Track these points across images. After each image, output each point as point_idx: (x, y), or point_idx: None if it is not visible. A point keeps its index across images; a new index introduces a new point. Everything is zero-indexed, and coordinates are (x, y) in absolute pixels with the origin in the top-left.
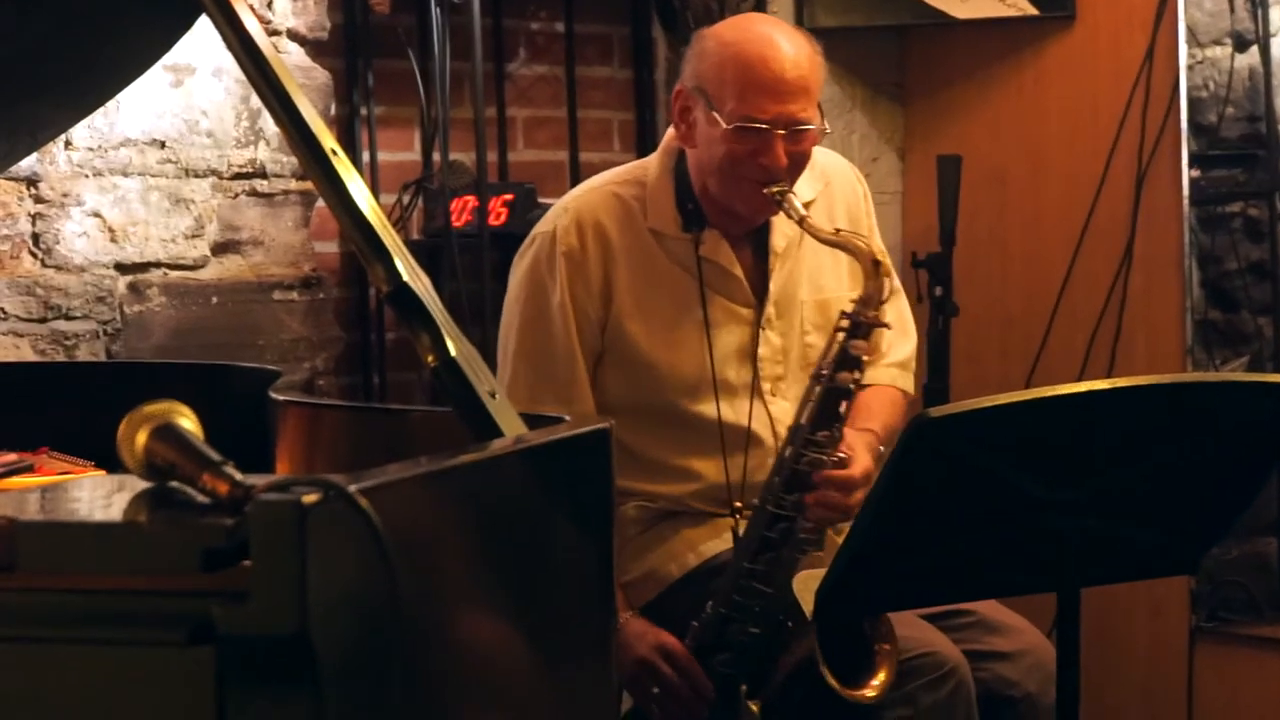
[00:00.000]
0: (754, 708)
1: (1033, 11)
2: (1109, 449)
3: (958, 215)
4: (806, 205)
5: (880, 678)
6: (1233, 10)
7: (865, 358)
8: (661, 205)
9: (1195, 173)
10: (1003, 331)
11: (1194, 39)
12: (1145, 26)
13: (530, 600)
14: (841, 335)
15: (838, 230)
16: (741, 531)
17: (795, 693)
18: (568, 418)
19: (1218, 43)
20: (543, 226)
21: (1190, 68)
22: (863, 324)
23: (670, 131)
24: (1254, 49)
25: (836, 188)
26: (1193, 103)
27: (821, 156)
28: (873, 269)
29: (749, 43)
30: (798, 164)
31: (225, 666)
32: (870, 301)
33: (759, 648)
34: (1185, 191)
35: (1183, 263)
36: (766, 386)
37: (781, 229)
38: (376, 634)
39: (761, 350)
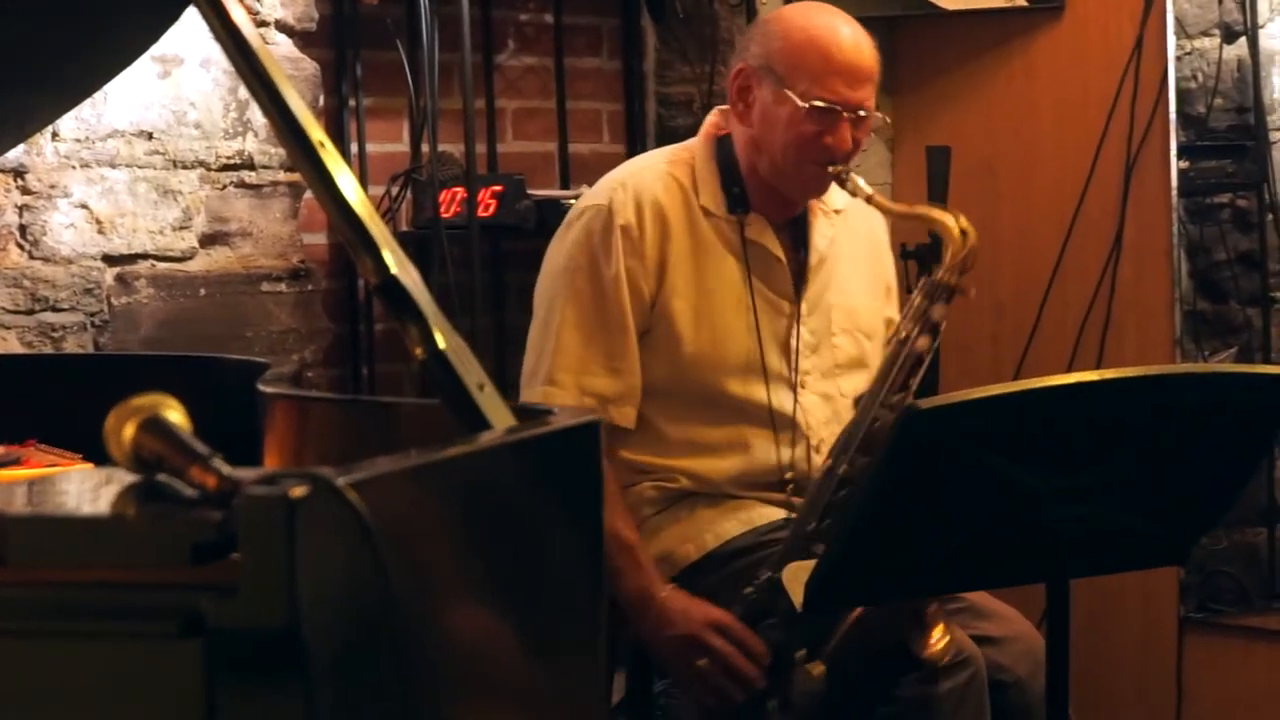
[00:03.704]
0: (816, 669)
1: (1022, 3)
2: (1099, 440)
3: (947, 206)
4: (837, 213)
5: (939, 633)
6: (1221, 1)
7: (943, 325)
8: (709, 184)
9: (1184, 164)
10: (992, 322)
11: (1182, 30)
12: (1134, 17)
13: (520, 593)
14: (922, 299)
15: (910, 204)
16: (795, 504)
17: (858, 653)
18: (556, 410)
19: (1206, 34)
20: (594, 199)
21: (1179, 59)
22: (944, 286)
23: (710, 118)
24: (1242, 40)
25: (854, 215)
26: (1181, 94)
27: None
28: (959, 235)
29: (825, 29)
30: (855, 149)
31: (214, 660)
32: (954, 267)
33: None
34: (1174, 182)
35: (1171, 253)
36: (800, 378)
37: (821, 229)
38: (366, 627)
39: (795, 343)
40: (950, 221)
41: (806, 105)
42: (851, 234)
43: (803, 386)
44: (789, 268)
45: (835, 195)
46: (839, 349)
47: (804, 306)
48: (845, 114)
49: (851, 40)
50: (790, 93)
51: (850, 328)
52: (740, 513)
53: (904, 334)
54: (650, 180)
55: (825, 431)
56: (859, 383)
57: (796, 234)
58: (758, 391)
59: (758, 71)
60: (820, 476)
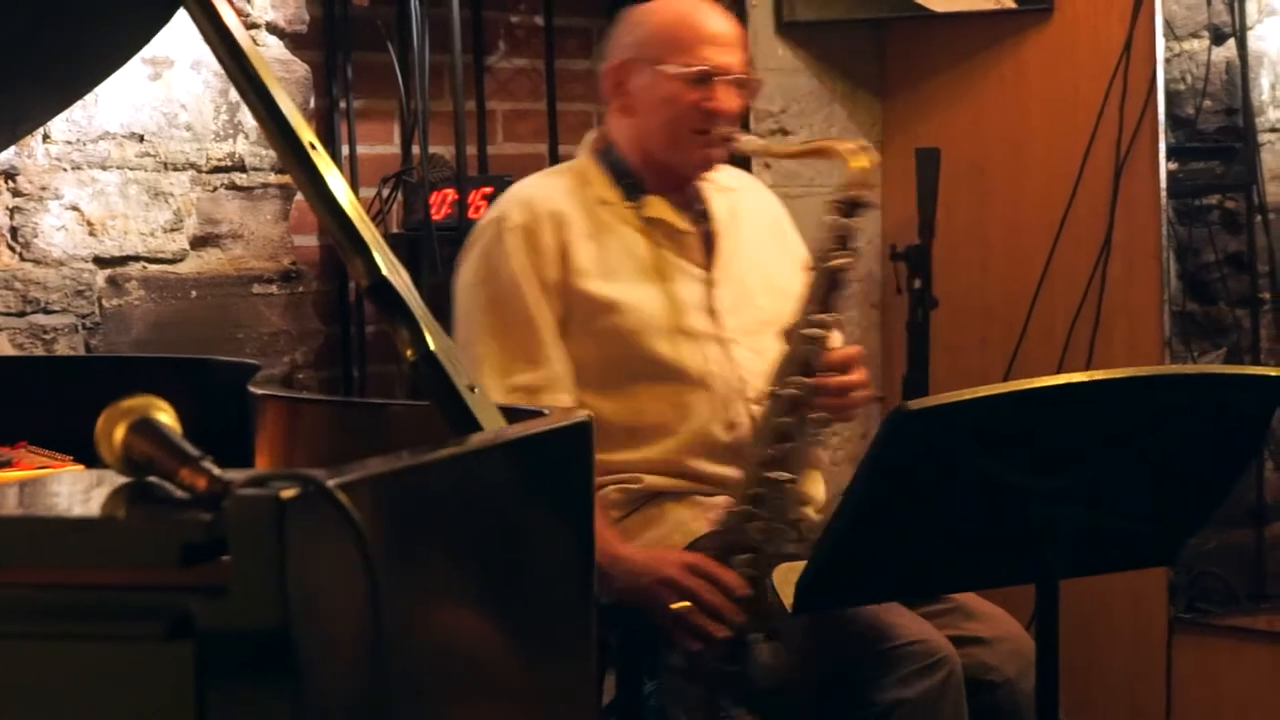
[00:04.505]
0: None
1: (1011, 5)
2: (1088, 441)
3: (937, 208)
4: (732, 193)
5: None
6: (1210, 3)
7: (854, 241)
8: (598, 179)
9: (1173, 165)
10: (982, 323)
11: (1171, 32)
12: (1123, 19)
13: (511, 593)
14: (833, 216)
15: (804, 141)
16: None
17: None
18: (547, 411)
19: (1195, 35)
20: (488, 217)
21: (1168, 60)
22: (852, 202)
23: (588, 137)
24: (1231, 42)
25: (749, 194)
26: (1170, 95)
27: (732, 172)
28: (855, 152)
29: (683, 7)
30: (738, 114)
31: (205, 661)
32: (855, 183)
33: (780, 542)
34: (1163, 184)
35: (1161, 255)
36: (729, 335)
37: (717, 202)
38: (356, 628)
39: (716, 304)
40: (841, 146)
41: (683, 74)
42: (750, 211)
43: (735, 342)
44: (697, 238)
45: (724, 177)
46: (762, 308)
47: (718, 272)
48: (720, 78)
49: (711, 13)
50: (665, 69)
51: (769, 289)
52: (710, 512)
53: (820, 253)
54: (539, 185)
55: (762, 385)
56: None
57: (695, 210)
58: (686, 352)
59: (629, 63)
60: (765, 403)
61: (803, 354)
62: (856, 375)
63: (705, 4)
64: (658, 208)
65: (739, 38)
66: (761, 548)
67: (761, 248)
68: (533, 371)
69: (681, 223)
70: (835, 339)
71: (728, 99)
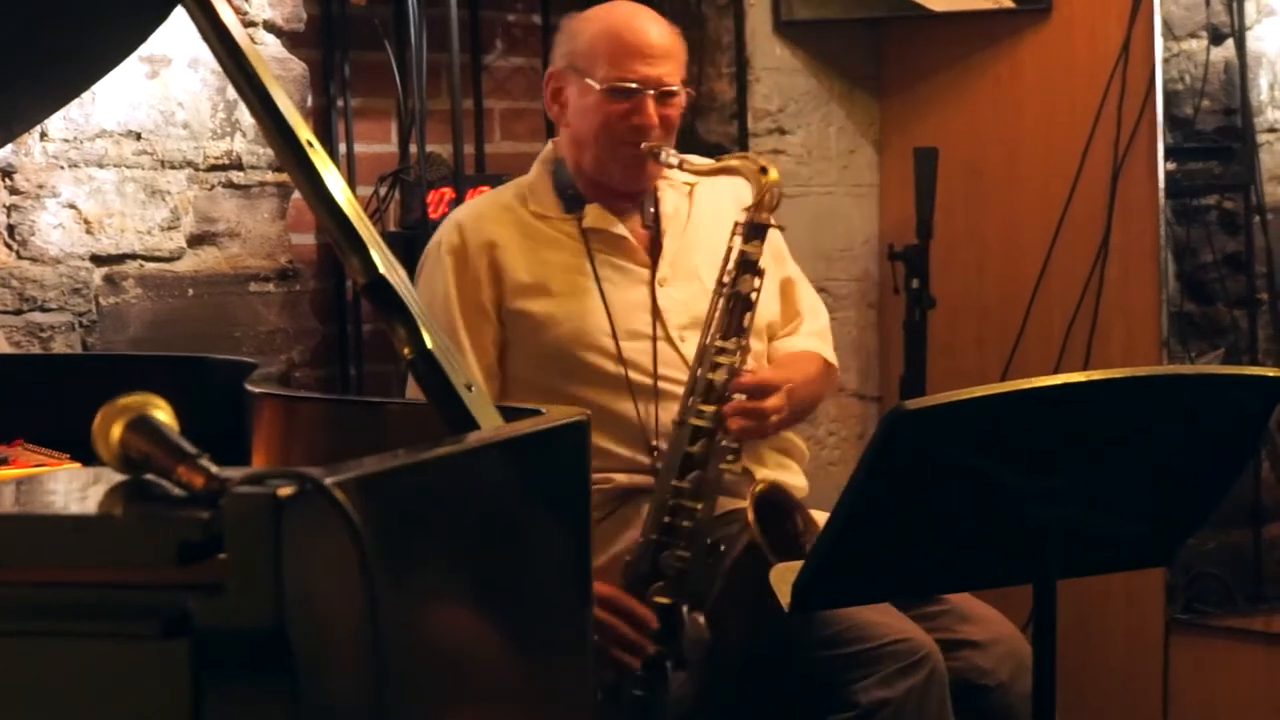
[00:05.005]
0: (700, 619)
1: (1009, 4)
2: (1085, 441)
3: (934, 208)
4: (690, 188)
5: None
6: (1208, 3)
7: (760, 263)
8: (541, 194)
9: (1171, 165)
10: (979, 323)
11: (1170, 32)
12: (1121, 19)
13: (508, 591)
14: (738, 240)
15: (717, 159)
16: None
17: (740, 596)
18: (544, 410)
19: (1194, 35)
20: (432, 240)
21: (1166, 60)
22: (756, 226)
23: (546, 147)
24: (1230, 42)
25: (710, 180)
26: (1169, 95)
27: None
28: (759, 174)
29: (614, 17)
30: (668, 127)
31: (201, 659)
32: (761, 205)
33: (694, 570)
34: (1161, 184)
35: (1158, 255)
36: (675, 334)
37: (670, 199)
38: (353, 626)
39: (662, 303)
40: (750, 165)
41: (605, 88)
42: (711, 202)
43: (681, 340)
44: (643, 241)
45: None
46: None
47: (667, 270)
48: (646, 92)
49: (642, 22)
50: (591, 81)
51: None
52: None
53: (726, 278)
54: (475, 208)
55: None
56: None
57: (645, 213)
58: (632, 354)
59: (564, 72)
60: (673, 433)
61: (709, 381)
62: (772, 401)
63: (640, 13)
64: (595, 216)
65: (670, 49)
66: (676, 576)
67: (720, 233)
68: None
69: (621, 228)
70: (749, 362)
71: (652, 111)
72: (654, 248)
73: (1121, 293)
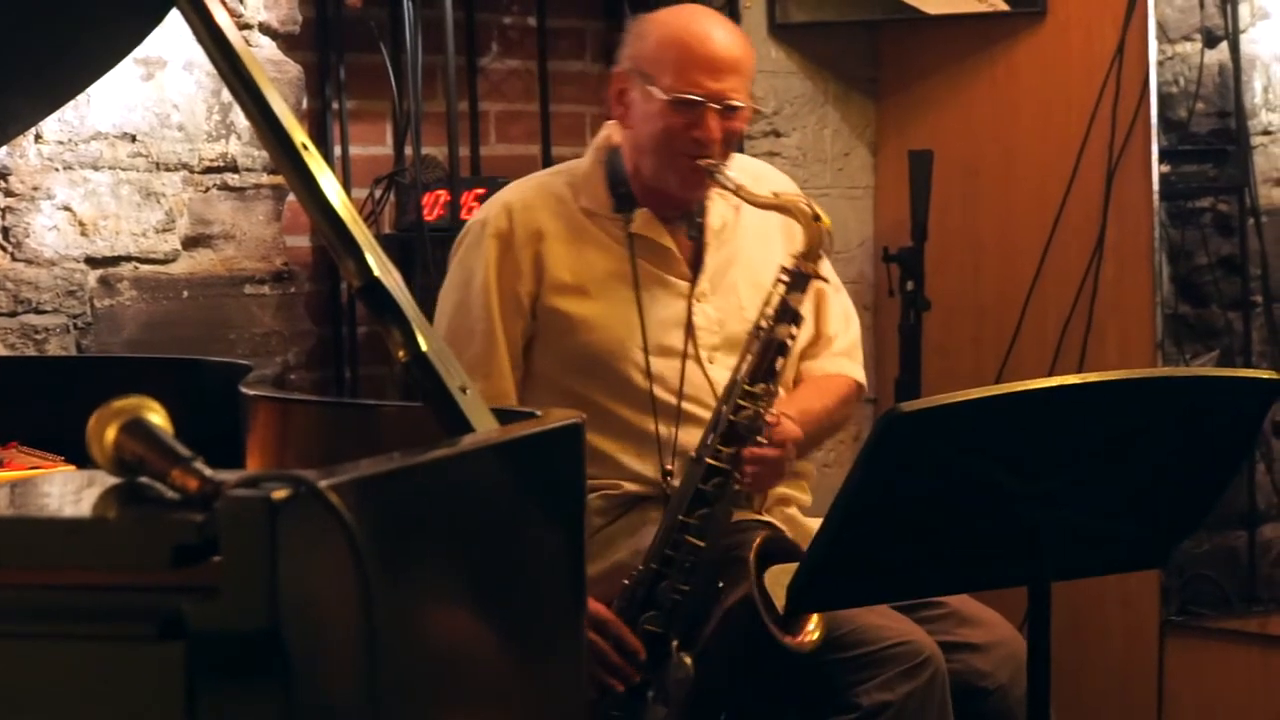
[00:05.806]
0: (687, 660)
1: (1004, 7)
2: (1080, 443)
3: (929, 210)
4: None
5: (814, 624)
6: (1203, 6)
7: (802, 312)
8: (594, 189)
9: (1165, 168)
10: (974, 325)
11: (1164, 35)
12: (1115, 22)
13: (502, 594)
14: (782, 288)
15: (775, 194)
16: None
17: (729, 644)
18: (539, 412)
19: (1188, 38)
20: (476, 217)
21: (1160, 63)
22: (802, 275)
23: (603, 131)
24: (1224, 45)
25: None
26: (1163, 98)
27: (772, 175)
28: (812, 222)
29: (687, 25)
30: (730, 142)
31: (195, 662)
32: (810, 255)
33: (690, 605)
34: (1155, 186)
35: (1153, 257)
36: (704, 354)
37: (718, 210)
38: (348, 629)
39: (697, 320)
40: (804, 210)
41: (669, 98)
42: (758, 219)
43: (710, 362)
44: (686, 253)
45: (738, 175)
46: (751, 322)
47: (706, 285)
48: (709, 105)
49: (713, 34)
50: (654, 89)
51: (761, 305)
52: None
53: (765, 323)
54: (525, 190)
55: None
56: None
57: (692, 224)
58: (659, 369)
59: (629, 74)
60: (687, 467)
61: (730, 422)
62: (786, 451)
63: (711, 21)
64: (644, 222)
65: (738, 62)
66: (671, 609)
67: (763, 256)
68: (482, 382)
69: (667, 239)
70: (777, 404)
71: (714, 127)
72: (695, 260)
73: (1116, 295)
